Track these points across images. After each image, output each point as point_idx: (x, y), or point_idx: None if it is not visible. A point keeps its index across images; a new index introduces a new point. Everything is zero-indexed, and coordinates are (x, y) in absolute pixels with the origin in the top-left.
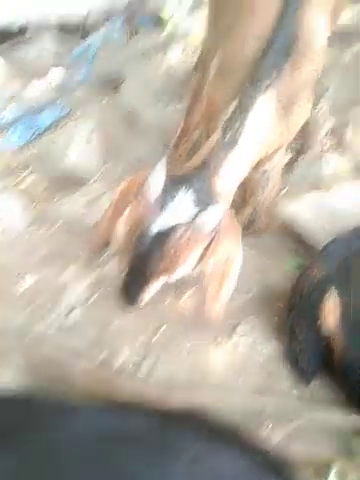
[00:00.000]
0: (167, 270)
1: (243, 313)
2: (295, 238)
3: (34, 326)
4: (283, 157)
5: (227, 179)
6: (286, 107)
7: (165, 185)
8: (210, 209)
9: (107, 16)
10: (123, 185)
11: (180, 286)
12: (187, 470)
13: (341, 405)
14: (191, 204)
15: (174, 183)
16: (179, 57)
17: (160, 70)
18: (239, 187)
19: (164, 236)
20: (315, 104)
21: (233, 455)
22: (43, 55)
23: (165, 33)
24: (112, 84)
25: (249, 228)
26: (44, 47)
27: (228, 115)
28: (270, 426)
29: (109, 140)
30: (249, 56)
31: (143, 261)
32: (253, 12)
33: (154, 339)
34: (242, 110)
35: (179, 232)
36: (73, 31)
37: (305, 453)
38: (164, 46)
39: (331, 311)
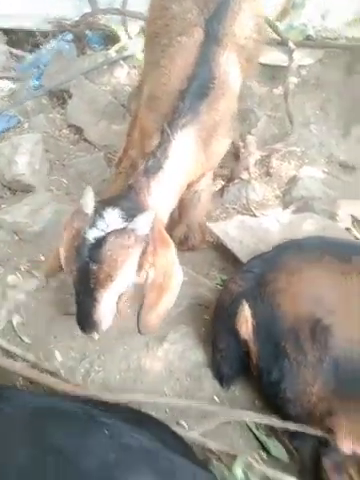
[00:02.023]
0: (109, 276)
1: (174, 323)
2: (224, 255)
3: None
4: (211, 182)
5: (157, 199)
6: (205, 140)
7: (95, 207)
8: (138, 217)
9: (58, 29)
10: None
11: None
12: (105, 442)
13: (259, 406)
14: (119, 220)
15: (102, 204)
16: (124, 77)
17: (106, 88)
18: (175, 208)
19: (98, 245)
20: (244, 137)
21: (146, 435)
22: None
23: (113, 52)
24: (60, 98)
25: (184, 244)
26: None
27: (153, 145)
28: (189, 424)
29: (54, 153)
30: (170, 94)
31: (85, 273)
32: (177, 53)
33: (90, 345)
34: (164, 142)
35: (111, 238)
36: (22, 42)
37: (219, 447)
38: (111, 65)
39: (244, 322)
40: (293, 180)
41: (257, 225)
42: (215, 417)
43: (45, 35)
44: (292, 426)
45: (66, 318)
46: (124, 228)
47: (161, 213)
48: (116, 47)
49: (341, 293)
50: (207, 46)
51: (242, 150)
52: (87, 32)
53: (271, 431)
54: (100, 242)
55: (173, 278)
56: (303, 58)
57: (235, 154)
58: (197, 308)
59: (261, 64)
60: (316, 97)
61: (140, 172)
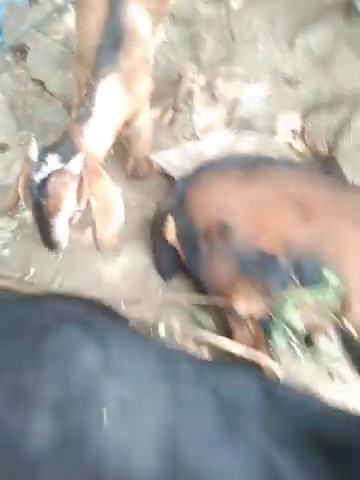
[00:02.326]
0: (56, 207)
1: (128, 238)
2: (171, 182)
3: None
4: (149, 117)
5: (90, 142)
6: (128, 84)
7: (39, 154)
8: (72, 160)
9: None
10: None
11: (80, 223)
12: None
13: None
14: (57, 163)
15: (44, 151)
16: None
17: (58, 37)
18: (122, 144)
19: (43, 184)
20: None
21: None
22: None
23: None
24: (22, 51)
25: (134, 175)
26: None
27: (83, 95)
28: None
29: (21, 109)
30: (90, 49)
31: (38, 207)
32: (90, 9)
33: (63, 263)
34: (90, 92)
35: (52, 178)
36: None
37: (152, 318)
38: (60, 12)
39: (170, 232)
40: (236, 101)
41: (197, 151)
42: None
43: None
44: (208, 300)
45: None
46: (61, 169)
47: (97, 152)
48: None
49: (243, 198)
50: (114, 1)
51: (184, 78)
52: None
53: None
54: (44, 182)
55: (112, 202)
56: None
57: (177, 83)
58: (145, 226)
59: None
60: (264, 11)
61: (73, 120)
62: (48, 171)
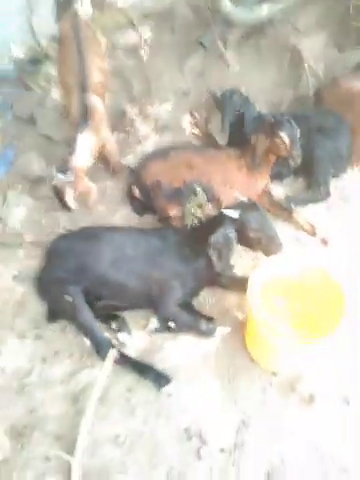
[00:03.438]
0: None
1: (120, 201)
2: (130, 170)
3: None
4: (112, 142)
5: (79, 163)
6: (96, 132)
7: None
8: (67, 174)
9: None
10: None
11: None
12: None
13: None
14: (61, 175)
15: (57, 169)
16: None
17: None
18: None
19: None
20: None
21: None
22: None
23: None
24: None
25: (114, 171)
26: None
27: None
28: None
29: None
30: (74, 117)
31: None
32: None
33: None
34: (75, 139)
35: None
36: None
37: None
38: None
39: (135, 192)
40: (157, 117)
41: (142, 150)
42: None
43: None
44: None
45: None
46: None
47: (82, 167)
48: None
49: (163, 167)
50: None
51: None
52: None
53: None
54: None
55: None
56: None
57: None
58: (124, 194)
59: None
60: (161, 54)
61: (68, 153)
62: (57, 179)
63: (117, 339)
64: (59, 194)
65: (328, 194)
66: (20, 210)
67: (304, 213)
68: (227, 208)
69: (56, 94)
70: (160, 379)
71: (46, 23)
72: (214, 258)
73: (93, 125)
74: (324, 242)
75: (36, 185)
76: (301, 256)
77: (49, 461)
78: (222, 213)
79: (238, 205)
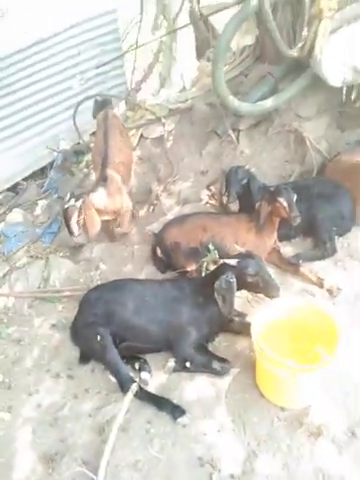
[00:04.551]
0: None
1: (145, 261)
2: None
3: None
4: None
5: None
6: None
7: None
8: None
9: None
10: None
11: None
12: None
13: None
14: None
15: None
16: None
17: None
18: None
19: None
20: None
21: None
22: None
23: None
24: None
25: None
26: None
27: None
28: None
29: None
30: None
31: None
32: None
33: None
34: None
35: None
36: None
37: None
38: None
39: (158, 252)
40: (180, 192)
41: (166, 218)
42: None
43: None
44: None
45: None
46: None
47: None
48: None
49: (180, 231)
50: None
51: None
52: None
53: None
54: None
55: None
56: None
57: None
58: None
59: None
60: (183, 142)
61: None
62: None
63: (139, 377)
64: (66, 217)
65: (334, 250)
66: (60, 271)
67: (312, 268)
68: (227, 259)
69: (94, 177)
70: (176, 411)
71: (89, 122)
72: (219, 302)
73: (108, 188)
74: (330, 292)
75: (75, 251)
76: (295, 297)
77: None
78: (224, 263)
79: (237, 255)
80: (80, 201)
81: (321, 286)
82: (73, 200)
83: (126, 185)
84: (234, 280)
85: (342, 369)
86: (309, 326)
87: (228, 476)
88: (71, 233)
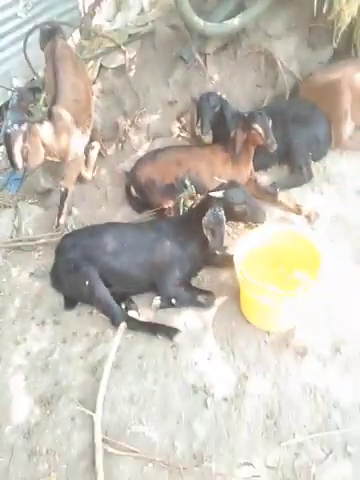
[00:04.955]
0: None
1: (121, 201)
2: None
3: None
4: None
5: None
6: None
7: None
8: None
9: None
10: None
11: None
12: None
13: None
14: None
15: None
16: None
17: None
18: None
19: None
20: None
21: None
22: None
23: None
24: None
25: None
26: None
27: None
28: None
29: None
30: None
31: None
32: None
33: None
34: None
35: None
36: None
37: None
38: None
39: (132, 191)
40: (148, 126)
41: (136, 156)
42: None
43: None
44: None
45: None
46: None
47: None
48: None
49: (153, 166)
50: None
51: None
52: None
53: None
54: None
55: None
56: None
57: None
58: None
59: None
60: (147, 69)
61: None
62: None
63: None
64: (9, 143)
65: (311, 175)
66: (31, 219)
67: (290, 195)
68: (211, 191)
69: None
70: (170, 331)
71: (42, 56)
72: (209, 237)
73: (55, 125)
74: (309, 218)
75: (44, 197)
76: (275, 225)
77: (74, 420)
78: (209, 196)
79: (220, 186)
80: (25, 126)
81: (299, 212)
82: (16, 125)
83: (82, 127)
84: (222, 212)
85: (325, 292)
86: (290, 252)
87: (222, 400)
88: (13, 163)
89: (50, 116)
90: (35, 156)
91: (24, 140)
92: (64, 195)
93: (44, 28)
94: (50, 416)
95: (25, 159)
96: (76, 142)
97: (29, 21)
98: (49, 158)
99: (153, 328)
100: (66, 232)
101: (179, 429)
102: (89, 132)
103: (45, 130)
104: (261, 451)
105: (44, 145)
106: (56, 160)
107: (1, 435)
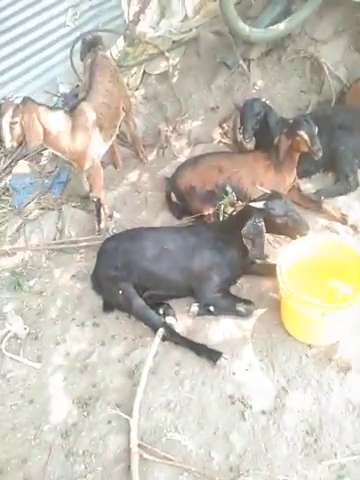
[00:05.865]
0: None
1: (161, 207)
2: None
3: None
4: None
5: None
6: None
7: None
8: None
9: None
10: None
11: None
12: None
13: None
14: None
15: None
16: None
17: None
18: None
19: None
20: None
21: None
22: None
23: None
24: None
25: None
26: None
27: None
28: None
29: None
30: None
31: None
32: None
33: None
34: None
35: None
36: None
37: None
38: None
39: (173, 197)
40: (190, 132)
41: (177, 162)
42: None
43: None
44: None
45: None
46: None
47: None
48: None
49: (194, 173)
50: None
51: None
52: None
53: None
54: None
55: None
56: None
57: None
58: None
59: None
60: (190, 75)
61: None
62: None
63: (165, 322)
64: None
65: (357, 184)
66: (74, 221)
67: (335, 204)
68: (253, 201)
69: None
70: (213, 354)
71: None
72: (249, 246)
73: (74, 119)
74: (355, 228)
75: (87, 201)
76: (319, 235)
77: (111, 423)
78: (249, 206)
79: (262, 197)
80: (18, 100)
81: (345, 222)
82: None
83: (105, 134)
84: (262, 224)
85: None
86: (335, 263)
87: (260, 412)
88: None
89: (73, 110)
90: (31, 134)
91: (15, 115)
92: (98, 204)
93: (86, 38)
94: (87, 418)
95: (17, 137)
96: (95, 147)
97: (76, 29)
98: (59, 154)
99: (196, 347)
100: (107, 236)
101: (216, 440)
102: (110, 143)
103: (56, 117)
104: (300, 469)
105: (45, 130)
106: (66, 159)
107: (40, 433)
